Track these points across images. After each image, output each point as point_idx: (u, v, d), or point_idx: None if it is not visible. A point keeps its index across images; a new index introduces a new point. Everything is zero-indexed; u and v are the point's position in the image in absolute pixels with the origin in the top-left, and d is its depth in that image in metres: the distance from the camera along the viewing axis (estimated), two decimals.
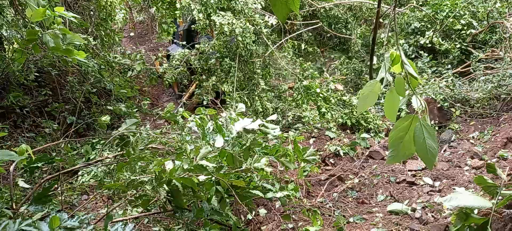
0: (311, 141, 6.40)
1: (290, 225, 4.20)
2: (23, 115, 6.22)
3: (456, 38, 8.39)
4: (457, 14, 8.42)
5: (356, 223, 4.20)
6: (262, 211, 4.39)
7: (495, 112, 6.44)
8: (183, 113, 3.98)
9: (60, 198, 4.07)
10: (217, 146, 3.13)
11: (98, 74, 6.47)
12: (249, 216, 4.10)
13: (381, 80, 1.84)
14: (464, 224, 2.78)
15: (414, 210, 4.21)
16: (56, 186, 4.24)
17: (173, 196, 2.96)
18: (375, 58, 8.19)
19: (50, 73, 6.57)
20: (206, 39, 8.09)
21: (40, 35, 2.65)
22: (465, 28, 8.27)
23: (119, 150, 3.67)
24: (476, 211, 2.88)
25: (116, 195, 3.82)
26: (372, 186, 4.90)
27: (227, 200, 3.20)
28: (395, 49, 1.81)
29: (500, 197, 2.80)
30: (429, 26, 8.82)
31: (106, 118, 5.71)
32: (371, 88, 1.79)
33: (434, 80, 7.41)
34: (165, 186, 2.85)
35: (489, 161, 4.92)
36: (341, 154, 5.72)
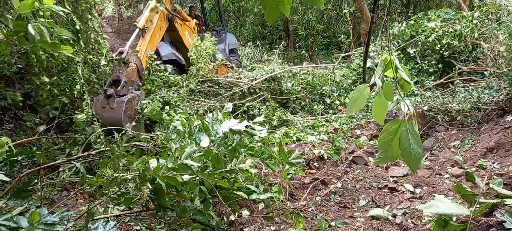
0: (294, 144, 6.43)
1: (273, 227, 4.21)
2: (4, 107, 6.08)
3: (437, 57, 8.59)
4: (437, 36, 8.63)
5: (338, 227, 4.24)
6: (245, 213, 4.39)
7: (476, 122, 6.59)
8: (169, 112, 3.96)
9: (39, 193, 4.00)
10: (203, 146, 3.12)
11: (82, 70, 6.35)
12: (232, 217, 4.10)
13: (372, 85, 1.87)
14: (442, 230, 2.84)
15: (394, 215, 4.28)
16: (36, 180, 4.16)
17: (156, 195, 2.94)
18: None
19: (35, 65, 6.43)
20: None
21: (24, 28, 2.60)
22: (445, 47, 8.47)
23: (102, 146, 3.63)
24: (454, 219, 2.95)
25: (97, 192, 3.77)
26: (354, 190, 4.96)
27: (211, 201, 3.19)
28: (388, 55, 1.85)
29: (478, 205, 2.88)
30: (409, 43, 9.08)
31: (82, 116, 5.61)
32: (361, 91, 1.82)
33: (418, 91, 7.58)
34: (148, 184, 2.82)
35: (468, 170, 5.04)
36: (325, 157, 5.76)
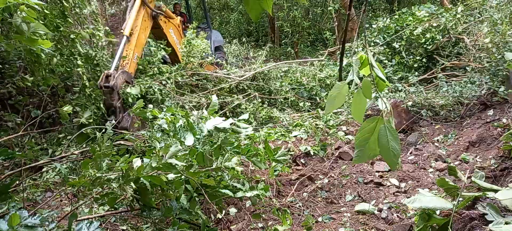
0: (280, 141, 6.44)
1: (260, 224, 4.21)
2: None
3: (421, 51, 8.71)
4: (422, 30, 8.74)
5: (324, 222, 4.27)
6: (232, 210, 4.38)
7: (458, 117, 6.70)
8: (153, 111, 3.91)
9: (22, 195, 3.92)
10: (187, 144, 3.09)
11: (62, 67, 6.19)
12: (219, 215, 4.08)
13: (350, 82, 1.87)
14: (426, 224, 2.87)
15: (380, 210, 4.32)
16: (17, 182, 4.07)
17: (140, 195, 2.90)
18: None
19: (14, 63, 6.28)
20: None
21: None
22: (429, 40, 8.58)
23: (84, 145, 3.56)
24: (438, 212, 2.99)
25: (81, 192, 3.71)
26: (341, 186, 4.99)
27: (197, 199, 3.17)
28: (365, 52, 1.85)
29: (460, 199, 2.92)
30: (394, 37, 9.18)
31: (68, 108, 5.52)
32: (339, 90, 1.82)
33: (402, 86, 7.67)
34: (132, 184, 2.78)
35: (451, 164, 5.12)
36: (312, 154, 5.79)
